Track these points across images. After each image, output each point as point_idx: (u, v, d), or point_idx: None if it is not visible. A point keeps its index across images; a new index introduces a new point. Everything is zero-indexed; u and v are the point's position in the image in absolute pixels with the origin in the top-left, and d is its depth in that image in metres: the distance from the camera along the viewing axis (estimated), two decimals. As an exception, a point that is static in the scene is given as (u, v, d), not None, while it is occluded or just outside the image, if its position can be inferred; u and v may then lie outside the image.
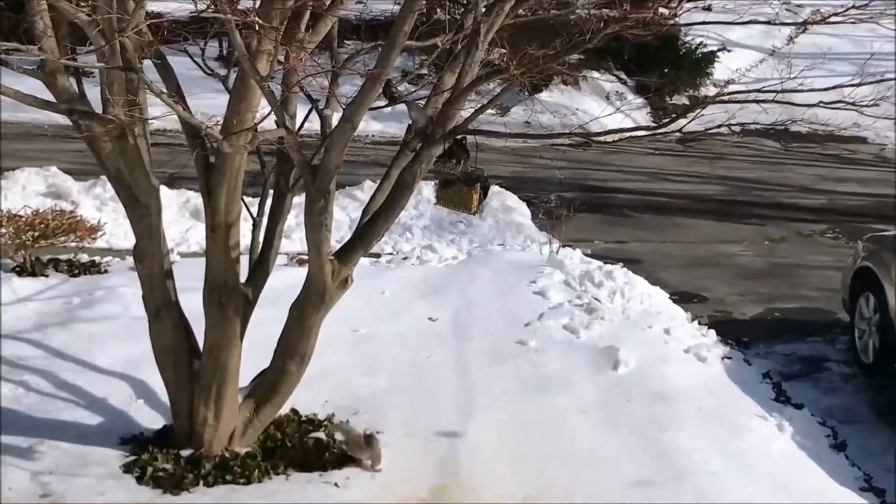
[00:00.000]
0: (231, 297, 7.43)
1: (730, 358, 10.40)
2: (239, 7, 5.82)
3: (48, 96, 6.79)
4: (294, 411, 8.38)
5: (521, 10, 7.38)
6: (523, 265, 12.26)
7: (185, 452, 7.66)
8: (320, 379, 8.67)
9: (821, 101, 6.87)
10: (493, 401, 9.02)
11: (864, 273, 10.62)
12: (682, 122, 7.13)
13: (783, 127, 7.28)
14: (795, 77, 6.64)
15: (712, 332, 10.98)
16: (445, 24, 7.70)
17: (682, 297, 12.23)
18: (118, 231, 12.89)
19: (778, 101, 6.67)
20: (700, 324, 11.25)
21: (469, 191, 8.20)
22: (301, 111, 7.55)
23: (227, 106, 6.83)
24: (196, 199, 13.69)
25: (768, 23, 9.98)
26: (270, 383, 7.77)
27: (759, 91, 6.70)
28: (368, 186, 14.56)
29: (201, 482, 7.44)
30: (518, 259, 12.66)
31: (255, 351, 7.82)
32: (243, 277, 7.61)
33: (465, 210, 8.38)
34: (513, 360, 9.90)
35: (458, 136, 7.67)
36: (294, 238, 13.09)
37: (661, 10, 7.54)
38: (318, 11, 6.89)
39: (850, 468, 8.59)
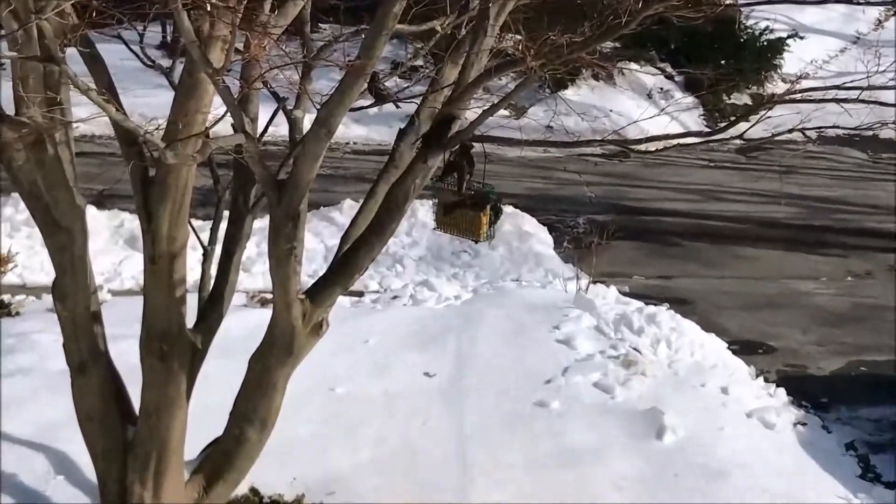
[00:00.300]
0: (175, 346, 7.40)
1: (804, 424, 10.37)
2: (187, -18, 5.84)
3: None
4: (254, 491, 8.35)
5: (540, -13, 7.41)
6: (544, 306, 12.25)
7: (116, 543, 7.62)
8: (287, 450, 8.64)
9: (919, 100, 6.89)
10: (506, 479, 9.00)
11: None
12: (743, 126, 7.14)
13: (871, 132, 7.29)
14: (885, 70, 6.65)
15: (782, 392, 10.96)
16: (446, 3, 7.72)
17: (743, 347, 12.21)
18: (33, 263, 12.90)
19: (864, 101, 6.69)
20: (767, 381, 11.23)
21: (476, 213, 8.16)
22: (264, 112, 7.56)
23: (172, 105, 6.83)
24: (132, 222, 13.70)
25: (851, 1, 10.01)
26: (224, 455, 7.73)
27: (839, 88, 6.70)
28: (349, 207, 14.59)
29: (136, 581, 7.39)
30: (537, 298, 12.65)
31: (204, 415, 7.80)
32: (191, 321, 7.60)
33: (470, 237, 8.34)
34: (530, 426, 9.87)
35: (464, 144, 7.67)
36: (255, 272, 13.09)
37: (716, -14, 7.57)
38: (287, -13, 6.91)
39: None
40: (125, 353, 7.66)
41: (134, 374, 7.59)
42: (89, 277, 7.42)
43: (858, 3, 9.07)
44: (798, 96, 7.14)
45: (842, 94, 6.71)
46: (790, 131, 6.97)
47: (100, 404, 7.61)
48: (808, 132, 6.81)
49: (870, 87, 6.55)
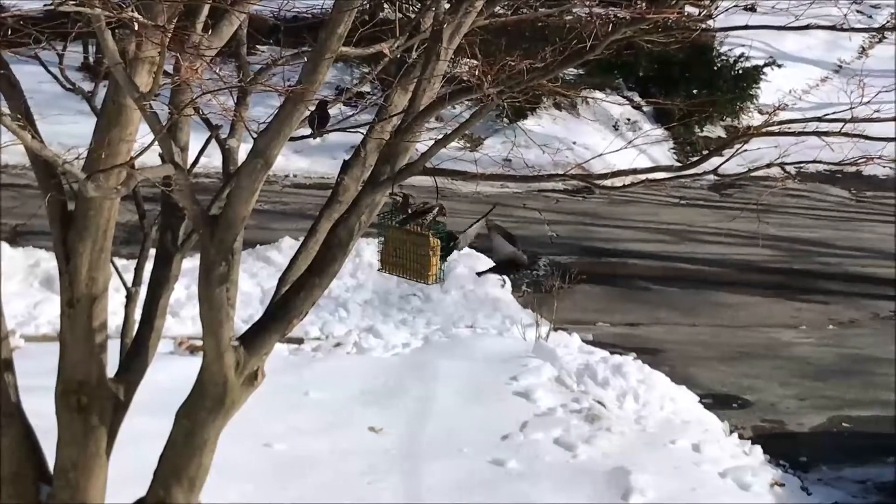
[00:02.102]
0: (95, 398, 7.35)
1: (782, 485, 10.40)
2: (112, -1, 5.83)
3: None
4: (180, 560, 8.26)
5: (498, 8, 7.44)
6: (501, 356, 12.26)
7: None
8: (217, 513, 8.57)
9: (906, 135, 6.94)
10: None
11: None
12: (716, 160, 7.17)
13: (854, 169, 7.34)
14: (870, 101, 6.72)
15: (758, 450, 10.99)
16: (396, 24, 7.75)
17: (717, 402, 12.26)
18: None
19: (847, 135, 6.74)
20: (742, 437, 11.27)
21: (426, 251, 8.16)
22: (196, 142, 7.55)
23: (94, 133, 6.81)
24: (49, 261, 13.61)
25: (833, 28, 10.13)
26: (148, 519, 7.66)
27: (820, 120, 6.76)
28: (288, 246, 14.57)
29: None
30: (494, 347, 12.66)
31: (126, 476, 7.73)
32: (112, 370, 7.55)
33: (419, 279, 8.33)
34: (490, 488, 9.85)
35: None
36: (184, 316, 13.03)
37: (688, 8, 7.63)
38: (222, 6, 6.91)
39: None
40: (40, 407, 7.59)
41: (50, 429, 7.52)
42: (0, 322, 7.36)
43: (842, 30, 9.18)
44: (776, 128, 7.18)
45: (823, 126, 6.76)
46: (768, 166, 7.00)
47: (11, 464, 7.52)
48: (787, 167, 6.85)
49: (853, 120, 6.60)
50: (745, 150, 6.82)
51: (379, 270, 8.22)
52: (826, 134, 6.64)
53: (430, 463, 10.21)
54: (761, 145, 6.93)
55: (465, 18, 6.79)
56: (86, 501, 7.50)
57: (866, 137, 6.87)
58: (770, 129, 7.11)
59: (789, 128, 7.06)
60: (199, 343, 8.03)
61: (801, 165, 6.94)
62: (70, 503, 7.49)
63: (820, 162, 6.94)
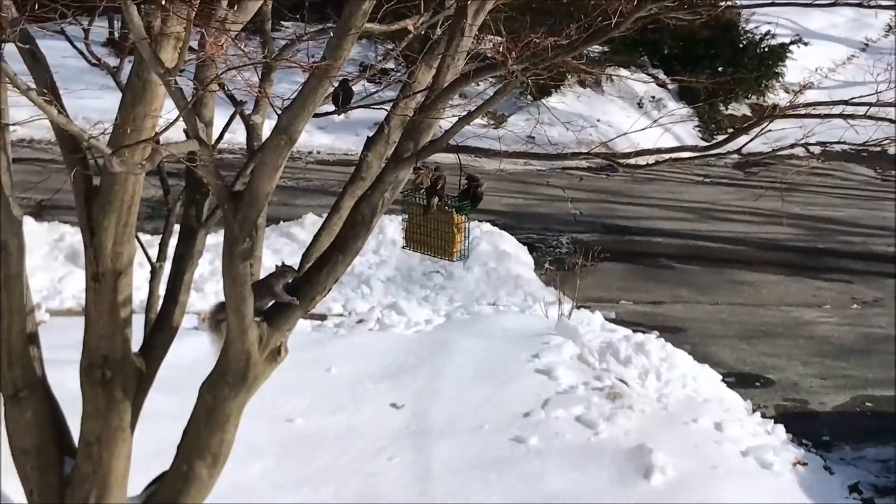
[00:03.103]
0: (118, 373, 7.38)
1: (804, 464, 10.40)
2: (137, -26, 5.84)
3: None
4: (202, 532, 8.32)
5: (523, -15, 7.43)
6: (523, 333, 12.26)
7: (51, 588, 7.59)
8: (240, 489, 8.62)
9: (932, 115, 6.91)
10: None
11: None
12: (741, 140, 7.16)
13: (879, 149, 7.32)
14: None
15: (781, 429, 10.98)
16: (420, 1, 7.75)
17: (739, 380, 12.25)
18: (-37, 279, 12.86)
19: (872, 118, 6.73)
20: (764, 416, 11.26)
21: (450, 228, 8.16)
22: (220, 117, 7.57)
23: (119, 108, 6.83)
24: (74, 236, 13.67)
25: (860, 5, 10.06)
26: (172, 492, 7.70)
27: (846, 103, 6.74)
28: (311, 222, 14.58)
29: None
30: (516, 324, 12.66)
31: (150, 450, 7.77)
32: (136, 345, 7.58)
33: (443, 256, 8.34)
34: (507, 466, 9.86)
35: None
36: (207, 291, 13.06)
37: (713, -13, 7.61)
38: (247, -18, 6.92)
39: None
40: (65, 380, 7.63)
41: (74, 402, 7.56)
42: (25, 297, 7.40)
43: (869, 6, 9.10)
44: (801, 111, 7.16)
45: (849, 109, 6.74)
46: (792, 146, 6.98)
47: (35, 436, 7.57)
48: (811, 148, 6.83)
49: (879, 104, 6.58)
50: (770, 130, 6.80)
51: (403, 248, 8.24)
52: (851, 117, 6.62)
53: (449, 440, 10.23)
54: (786, 125, 6.91)
55: (489, -5, 6.78)
56: (109, 475, 7.53)
57: (891, 121, 6.85)
58: (795, 111, 7.09)
59: (815, 110, 7.03)
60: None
61: (826, 145, 6.93)
62: (93, 476, 7.53)
63: (844, 143, 6.92)
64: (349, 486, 9.44)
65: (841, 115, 6.66)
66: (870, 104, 6.59)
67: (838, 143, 6.89)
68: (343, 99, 8.01)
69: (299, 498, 9.16)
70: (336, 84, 7.01)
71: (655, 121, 7.43)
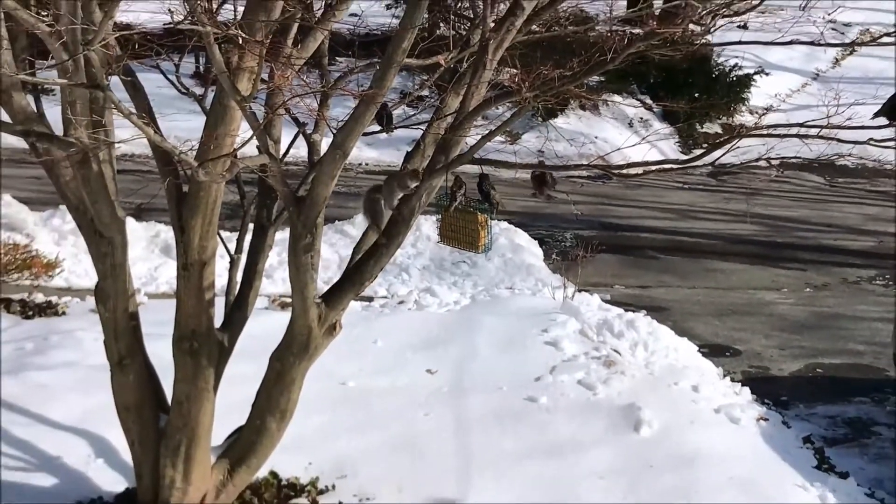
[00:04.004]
0: (204, 344, 7.40)
1: (766, 420, 10.35)
2: (219, 19, 5.84)
3: (3, 116, 6.80)
4: (273, 474, 8.32)
5: (534, 26, 7.41)
6: (534, 312, 12.24)
7: (150, 519, 7.61)
8: (303, 438, 8.63)
9: (871, 139, 6.88)
10: (499, 465, 8.98)
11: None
12: (714, 154, 7.14)
13: (828, 161, 7.28)
14: (842, 105, 6.65)
15: (746, 391, 10.94)
16: (449, 40, 7.73)
17: (712, 351, 12.20)
18: (78, 268, 12.90)
19: (823, 137, 6.69)
20: (733, 380, 11.21)
21: (475, 226, 8.19)
22: (286, 136, 7.57)
23: (204, 129, 6.84)
24: (167, 233, 13.71)
25: (812, 43, 10.00)
26: (247, 442, 7.72)
27: (801, 125, 6.70)
28: (360, 221, 14.53)
29: (166, 554, 7.38)
30: (528, 305, 12.64)
31: (230, 407, 7.79)
32: (218, 322, 7.60)
33: (471, 248, 8.37)
34: (521, 419, 9.85)
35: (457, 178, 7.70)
36: (276, 278, 13.08)
37: (691, 27, 7.56)
38: (308, 25, 6.92)
39: (903, 547, 8.55)
40: (160, 350, 7.66)
41: (167, 368, 7.59)
42: (128, 282, 7.43)
43: (819, 45, 9.09)
44: (764, 132, 7.14)
45: (803, 131, 6.72)
46: (757, 160, 6.97)
47: (136, 396, 7.61)
48: (772, 161, 6.81)
49: (829, 126, 6.57)
50: (738, 146, 6.78)
51: (438, 243, 8.25)
52: (806, 136, 6.61)
53: (473, 398, 10.22)
54: (751, 142, 6.90)
55: (507, 35, 6.77)
56: (196, 427, 7.57)
57: (839, 140, 6.83)
58: (759, 131, 7.07)
59: (775, 130, 7.02)
60: (289, 300, 8.08)
61: (784, 159, 6.91)
62: (183, 429, 7.56)
63: (799, 158, 6.91)
64: (393, 433, 9.45)
65: (797, 135, 6.65)
66: (821, 126, 6.59)
67: (794, 158, 6.87)
68: (386, 120, 8.00)
69: (353, 444, 9.17)
70: (379, 108, 6.99)
71: (644, 138, 7.41)
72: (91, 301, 10.40)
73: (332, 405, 9.72)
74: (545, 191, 15.88)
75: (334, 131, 6.61)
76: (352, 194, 15.95)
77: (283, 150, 7.44)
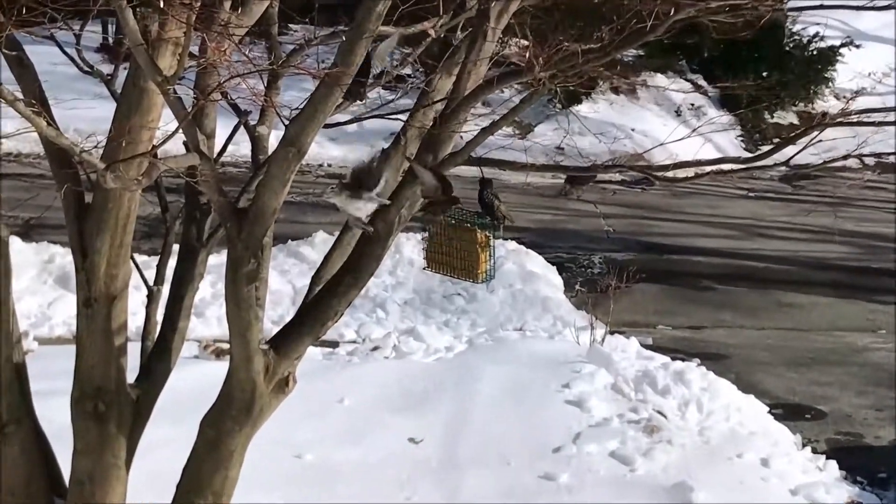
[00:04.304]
0: (113, 405, 7.38)
1: (860, 503, 10.36)
2: (133, -26, 5.85)
3: None
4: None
5: (551, -16, 7.44)
6: (552, 360, 12.24)
7: None
8: (245, 530, 8.61)
9: None
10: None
11: None
12: (788, 151, 7.15)
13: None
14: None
15: (833, 465, 10.94)
16: (439, 2, 7.75)
17: (788, 412, 12.21)
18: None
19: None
20: (815, 451, 11.22)
21: (474, 247, 8.16)
22: (223, 129, 7.58)
23: (114, 120, 6.84)
24: (64, 257, 13.70)
25: (917, 5, 10.05)
26: (170, 535, 7.70)
27: (905, 107, 6.72)
28: (321, 241, 14.60)
29: None
30: (544, 351, 12.64)
31: (147, 487, 7.76)
32: (132, 375, 7.58)
33: (469, 277, 8.33)
34: None
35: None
36: (209, 317, 13.08)
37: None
38: (251, -19, 6.93)
39: None
40: (54, 413, 7.63)
41: (64, 437, 7.56)
42: (12, 324, 7.41)
43: (927, 7, 9.09)
44: (854, 118, 7.14)
45: (905, 115, 6.72)
46: (844, 158, 6.96)
47: (23, 474, 7.58)
48: (865, 159, 6.81)
49: (941, 108, 6.58)
50: (820, 140, 6.78)
51: (424, 269, 8.22)
52: (907, 125, 6.59)
53: (472, 476, 10.20)
54: (837, 134, 6.89)
55: (514, -5, 6.78)
56: (103, 516, 7.53)
57: (952, 126, 6.83)
58: (847, 118, 7.07)
59: (868, 117, 7.02)
60: (226, 346, 8.07)
61: (882, 156, 6.90)
62: (86, 517, 7.52)
63: (898, 154, 6.89)
64: (365, 526, 9.44)
65: (896, 123, 6.64)
66: (929, 111, 6.56)
67: (894, 153, 6.86)
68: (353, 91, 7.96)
69: (310, 541, 9.16)
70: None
71: (695, 129, 7.41)
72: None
73: (283, 486, 9.70)
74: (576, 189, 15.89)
75: (286, 122, 6.62)
76: (310, 205, 15.98)
77: (218, 147, 7.44)
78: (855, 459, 11.27)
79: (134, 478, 7.63)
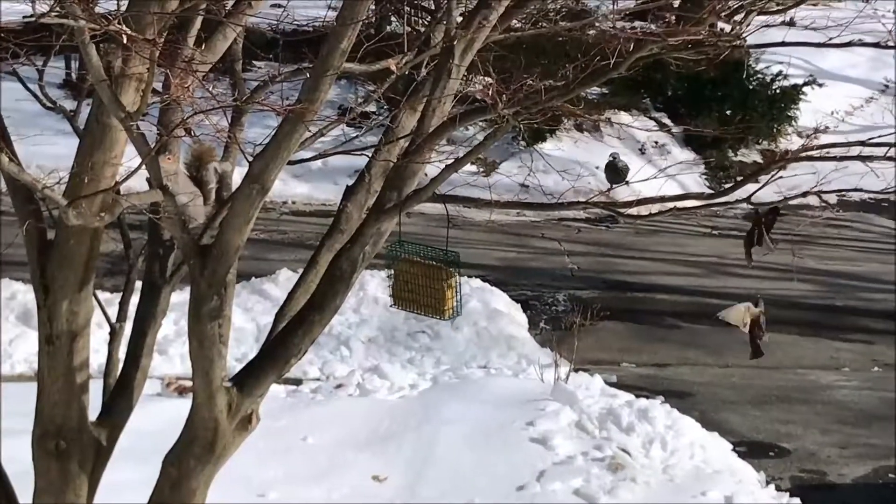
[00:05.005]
0: (74, 443, 7.34)
1: (824, 542, 10.40)
2: (97, 10, 5.83)
3: None
4: None
5: (515, 21, 7.45)
6: (517, 399, 12.24)
7: None
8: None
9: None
10: None
11: None
12: (750, 188, 7.18)
13: (901, 197, 7.35)
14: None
15: (797, 503, 10.95)
16: (404, 39, 7.76)
17: (752, 450, 12.22)
18: None
19: (893, 159, 6.74)
20: (779, 489, 11.23)
21: (441, 284, 8.15)
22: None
23: (76, 156, 6.81)
24: (26, 294, 13.63)
25: (878, 45, 10.13)
26: (131, 575, 7.65)
27: (863, 144, 6.75)
28: (285, 278, 14.56)
29: None
30: (509, 389, 12.63)
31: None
32: (94, 413, 7.54)
33: (436, 314, 8.32)
34: (499, 542, 9.86)
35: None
36: (172, 354, 13.02)
37: (719, 24, 7.62)
38: (215, 18, 6.93)
39: None
40: (15, 452, 7.58)
41: (26, 476, 7.51)
42: (-27, 360, 7.37)
43: (887, 47, 9.12)
44: (816, 153, 7.15)
45: (867, 150, 6.74)
46: (804, 195, 7.00)
47: (-18, 515, 7.52)
48: (825, 196, 6.84)
49: (903, 148, 6.60)
50: (782, 177, 6.82)
51: (390, 306, 8.19)
52: (870, 158, 6.62)
53: (436, 516, 10.18)
54: (799, 171, 6.94)
55: (478, 33, 6.80)
56: (64, 556, 7.47)
57: (917, 168, 6.86)
58: (809, 153, 7.09)
59: (829, 152, 7.04)
60: (189, 384, 8.02)
61: (843, 194, 6.93)
62: (47, 557, 7.47)
63: (862, 190, 6.93)
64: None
65: (859, 157, 6.67)
66: (890, 144, 6.59)
67: (856, 190, 6.89)
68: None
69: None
70: (313, 128, 6.99)
71: (662, 170, 7.44)
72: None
73: (246, 524, 9.66)
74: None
75: (250, 159, 6.61)
76: (274, 242, 15.95)
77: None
78: (819, 497, 11.29)
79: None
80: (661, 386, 13.70)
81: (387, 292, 13.47)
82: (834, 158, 6.84)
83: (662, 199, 7.07)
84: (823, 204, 7.03)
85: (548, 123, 20.01)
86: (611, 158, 20.07)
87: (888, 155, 6.63)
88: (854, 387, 14.19)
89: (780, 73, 23.33)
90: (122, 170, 6.72)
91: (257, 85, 7.49)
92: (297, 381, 12.99)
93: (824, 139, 18.37)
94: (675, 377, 14.18)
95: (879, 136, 6.71)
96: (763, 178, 7.03)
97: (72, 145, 6.90)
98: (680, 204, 7.37)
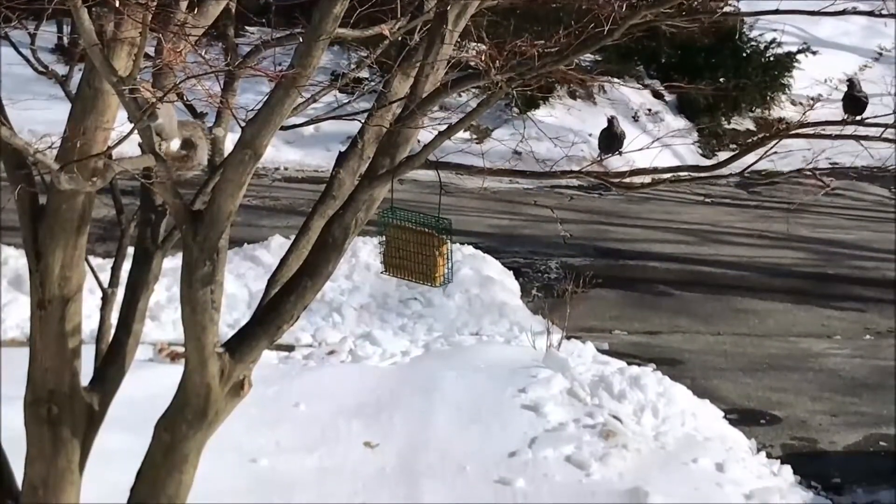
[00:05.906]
0: (66, 409, 7.34)
1: (814, 509, 10.42)
2: (89, -26, 5.82)
3: None
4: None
5: (509, -12, 7.44)
6: (508, 365, 12.25)
7: None
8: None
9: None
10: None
11: None
12: (745, 160, 7.17)
13: (893, 167, 7.33)
14: (912, 93, 6.72)
15: (788, 470, 10.99)
16: (397, 4, 7.74)
17: (743, 417, 12.25)
18: None
19: (889, 140, 6.73)
20: (770, 456, 11.26)
21: (432, 251, 8.14)
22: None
23: (68, 120, 6.81)
24: (18, 259, 13.62)
25: (872, 13, 10.10)
26: (123, 540, 7.66)
27: (858, 123, 6.73)
28: (277, 245, 14.55)
29: None
30: (501, 356, 12.65)
31: (101, 493, 7.72)
32: (86, 379, 7.54)
33: (426, 280, 8.31)
34: (491, 509, 9.88)
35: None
36: (164, 320, 13.01)
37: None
38: (208, -17, 6.91)
39: None
40: (7, 418, 7.59)
41: (18, 441, 7.52)
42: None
43: (881, 16, 9.11)
44: (810, 130, 7.14)
45: (862, 128, 6.72)
46: (799, 171, 6.99)
47: (-26, 478, 7.53)
48: (819, 171, 6.82)
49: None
50: (777, 149, 6.80)
51: (382, 273, 8.18)
52: (865, 138, 6.61)
53: (428, 482, 10.20)
54: (795, 143, 6.92)
55: (472, -1, 6.79)
56: (55, 520, 7.49)
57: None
58: (804, 130, 7.08)
59: (825, 130, 7.04)
60: (181, 350, 8.04)
61: (837, 166, 6.94)
62: (38, 522, 7.48)
63: (855, 168, 6.93)
64: (319, 532, 9.42)
65: (854, 137, 6.66)
66: (886, 125, 6.58)
67: (850, 168, 6.88)
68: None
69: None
70: (306, 94, 6.98)
71: (655, 140, 7.42)
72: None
73: (238, 492, 9.67)
74: None
75: (243, 124, 6.60)
76: (266, 208, 15.94)
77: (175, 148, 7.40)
78: (809, 465, 11.32)
79: (87, 483, 7.58)
80: (653, 353, 13.72)
81: (378, 259, 13.51)
82: (829, 136, 6.84)
83: (656, 171, 7.07)
84: (818, 181, 6.99)
85: (541, 90, 20.02)
86: (608, 122, 20.01)
87: (883, 136, 6.62)
88: (846, 355, 14.22)
89: (773, 41, 23.31)
90: (114, 135, 6.71)
91: (250, 50, 7.48)
92: (290, 348, 12.99)
93: (818, 109, 18.30)
94: (667, 345, 14.20)
95: (874, 116, 6.69)
96: (758, 151, 7.02)
97: (64, 110, 6.89)
98: (674, 175, 7.37)
